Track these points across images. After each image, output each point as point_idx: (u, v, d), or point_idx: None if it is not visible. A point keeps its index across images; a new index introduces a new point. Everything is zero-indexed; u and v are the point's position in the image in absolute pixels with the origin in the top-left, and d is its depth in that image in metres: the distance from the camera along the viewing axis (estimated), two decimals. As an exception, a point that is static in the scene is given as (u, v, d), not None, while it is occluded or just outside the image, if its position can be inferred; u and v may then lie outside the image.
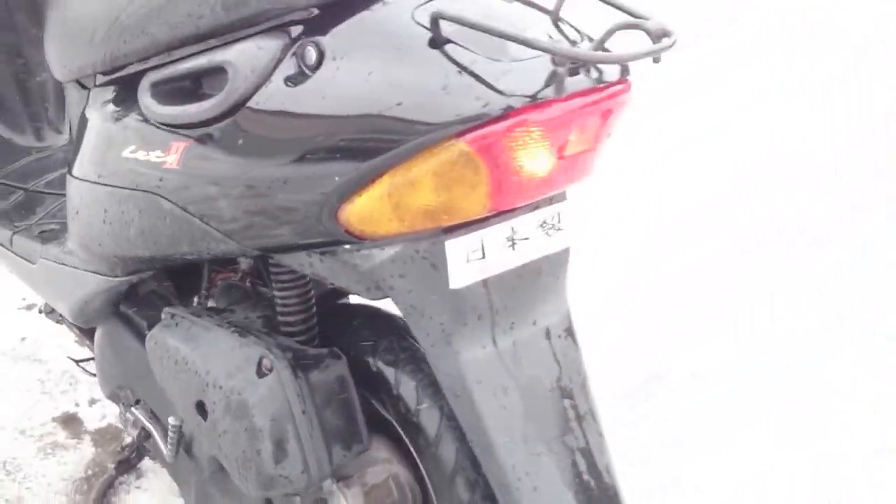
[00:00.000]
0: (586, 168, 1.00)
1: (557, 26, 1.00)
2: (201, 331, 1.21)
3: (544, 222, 1.04)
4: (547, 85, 0.89)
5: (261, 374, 1.12)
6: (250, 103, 0.99)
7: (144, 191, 1.15)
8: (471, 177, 0.91)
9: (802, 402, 1.97)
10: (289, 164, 0.98)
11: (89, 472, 1.92)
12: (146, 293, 1.47)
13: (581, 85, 0.91)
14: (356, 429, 1.16)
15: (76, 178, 1.34)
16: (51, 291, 1.60)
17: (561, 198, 1.05)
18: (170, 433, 1.36)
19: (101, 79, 1.29)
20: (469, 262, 0.99)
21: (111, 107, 1.26)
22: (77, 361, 1.88)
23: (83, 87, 1.37)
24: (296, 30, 0.99)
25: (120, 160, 1.20)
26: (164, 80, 1.11)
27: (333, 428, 1.15)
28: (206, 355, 1.17)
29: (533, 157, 0.92)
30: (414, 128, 0.88)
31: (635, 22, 0.92)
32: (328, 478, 1.15)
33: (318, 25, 0.98)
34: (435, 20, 0.89)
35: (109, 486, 1.84)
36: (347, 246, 1.00)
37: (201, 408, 1.16)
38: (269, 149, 1.00)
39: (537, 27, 0.98)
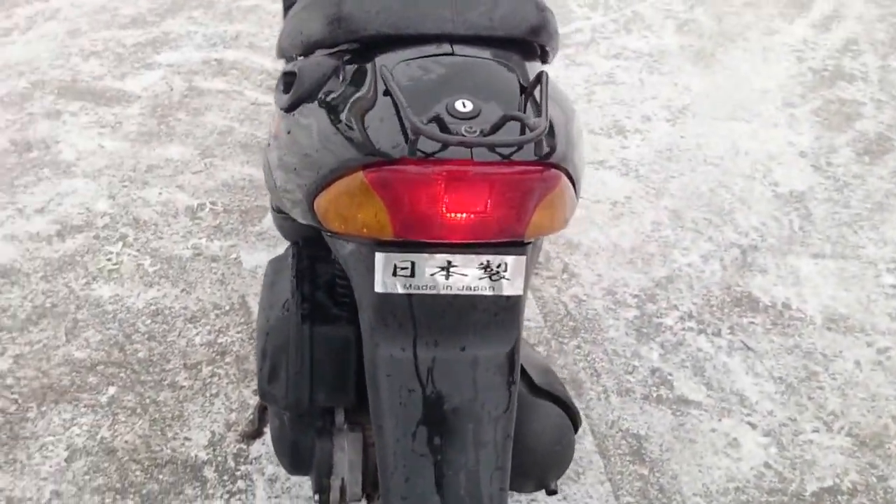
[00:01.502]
0: (483, 226, 1.11)
1: (528, 99, 1.14)
2: (285, 269, 1.42)
3: (487, 266, 1.15)
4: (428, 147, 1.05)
5: (283, 312, 1.34)
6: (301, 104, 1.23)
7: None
8: (371, 202, 1.10)
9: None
10: (298, 157, 1.19)
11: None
12: None
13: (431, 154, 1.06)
14: (345, 385, 1.34)
15: None
16: None
17: (515, 251, 1.16)
18: None
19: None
20: (396, 275, 1.15)
21: None
22: None
23: None
24: (343, 56, 1.25)
25: None
26: (284, 73, 1.34)
27: (322, 376, 1.33)
28: (270, 286, 1.41)
29: (415, 201, 1.08)
30: (347, 154, 1.10)
31: (518, 115, 1.06)
32: (305, 410, 1.34)
33: (355, 56, 1.23)
34: (382, 76, 1.10)
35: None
36: (329, 234, 1.21)
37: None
38: (294, 141, 1.22)
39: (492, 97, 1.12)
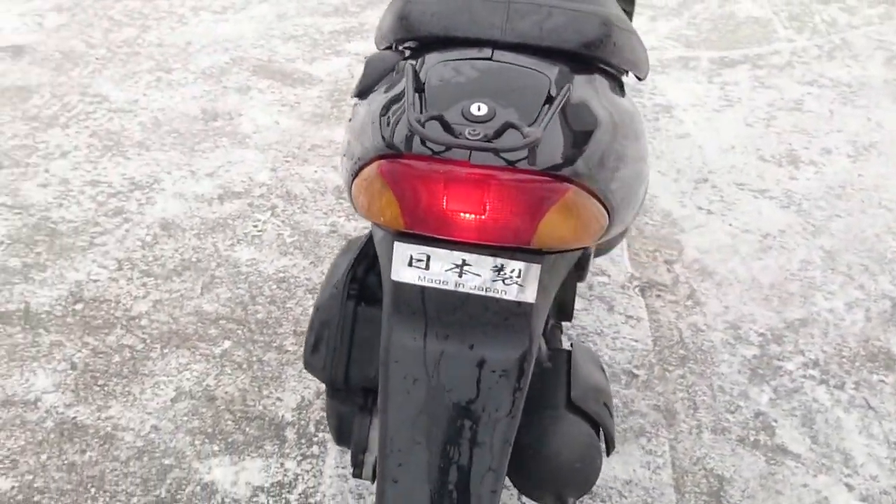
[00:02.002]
0: (489, 229, 1.13)
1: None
2: (352, 249, 1.49)
3: (501, 269, 1.17)
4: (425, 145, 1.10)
5: (334, 289, 1.41)
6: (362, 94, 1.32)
7: None
8: (385, 192, 1.15)
9: None
10: (348, 143, 1.26)
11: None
12: None
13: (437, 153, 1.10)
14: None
15: None
16: None
17: (531, 259, 1.17)
18: None
19: None
20: (412, 266, 1.17)
21: None
22: None
23: None
24: (405, 52, 1.34)
25: None
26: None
27: (359, 355, 1.39)
28: (334, 265, 1.47)
29: (419, 197, 1.12)
30: (370, 144, 1.17)
31: (515, 123, 1.07)
32: (341, 385, 1.41)
33: (413, 53, 1.30)
34: (414, 73, 1.15)
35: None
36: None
37: None
38: (350, 128, 1.30)
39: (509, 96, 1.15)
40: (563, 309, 1.74)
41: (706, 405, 2.00)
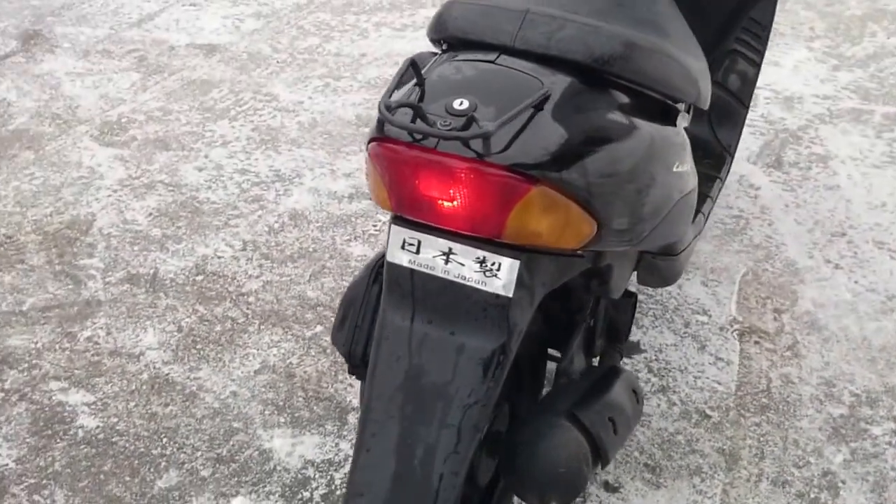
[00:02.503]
0: (461, 217, 1.17)
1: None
2: None
3: (483, 261, 1.21)
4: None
5: (366, 270, 1.49)
6: None
7: None
8: (375, 174, 1.22)
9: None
10: None
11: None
12: None
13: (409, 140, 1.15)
14: None
15: None
16: None
17: (511, 255, 1.20)
18: None
19: None
20: (404, 248, 1.23)
21: None
22: None
23: None
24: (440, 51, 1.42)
25: None
26: None
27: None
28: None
29: (396, 180, 1.17)
30: (370, 129, 1.24)
31: (474, 116, 1.12)
32: (359, 362, 1.46)
33: (444, 52, 1.39)
34: (413, 66, 1.21)
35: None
36: None
37: None
38: None
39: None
40: (613, 328, 1.72)
41: (773, 456, 1.89)
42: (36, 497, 1.81)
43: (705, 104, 1.59)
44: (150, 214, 2.69)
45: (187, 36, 3.87)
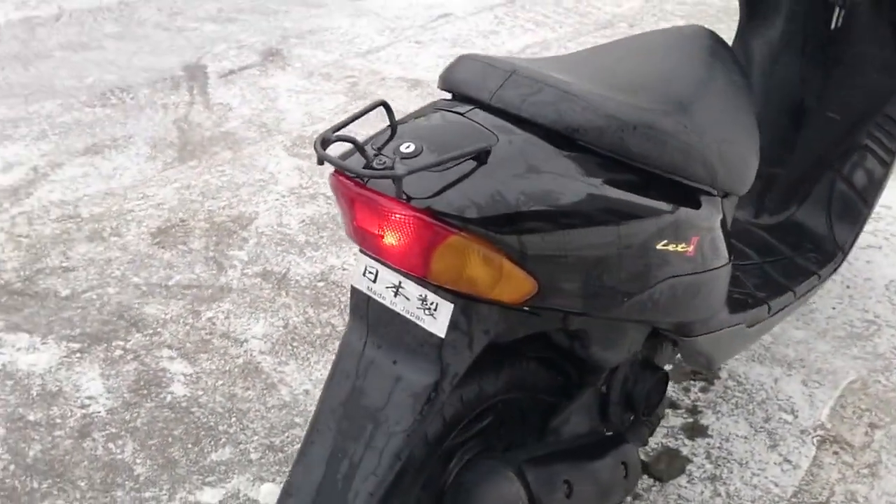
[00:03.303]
0: (392, 254, 1.23)
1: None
2: None
3: (424, 300, 1.27)
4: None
5: None
6: None
7: None
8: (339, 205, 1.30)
9: None
10: None
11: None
12: None
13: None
14: None
15: None
16: None
17: (449, 298, 1.25)
18: None
19: None
20: (365, 275, 1.32)
21: None
22: None
23: None
24: None
25: None
26: None
27: None
28: None
29: (345, 210, 1.27)
30: None
31: (391, 157, 1.21)
32: None
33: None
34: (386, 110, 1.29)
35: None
36: None
37: None
38: None
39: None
40: (630, 399, 1.69)
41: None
42: (110, 445, 2.08)
43: (734, 189, 1.54)
44: (303, 221, 2.96)
45: (401, 69, 4.17)
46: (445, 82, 1.42)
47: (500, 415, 1.62)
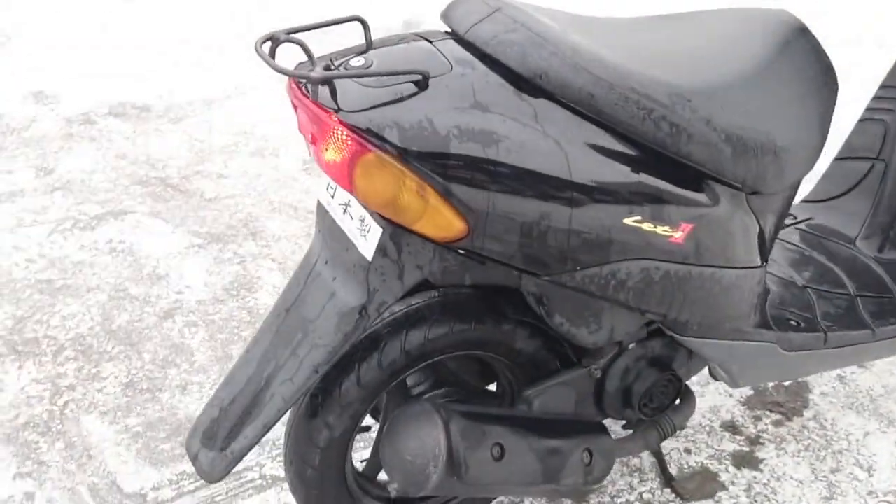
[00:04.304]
0: (324, 164, 1.21)
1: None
2: None
3: (363, 220, 1.27)
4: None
5: None
6: None
7: None
8: None
9: None
10: None
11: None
12: None
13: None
14: None
15: None
16: None
17: (381, 224, 1.24)
18: None
19: None
20: (327, 189, 1.34)
21: None
22: None
23: None
24: None
25: None
26: None
27: None
28: None
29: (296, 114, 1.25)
30: None
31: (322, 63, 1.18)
32: None
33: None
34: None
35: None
36: None
37: None
38: None
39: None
40: (626, 392, 1.57)
41: None
42: (185, 330, 2.22)
43: (757, 186, 1.38)
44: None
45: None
46: (443, 14, 1.38)
47: (470, 370, 1.58)
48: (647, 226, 1.28)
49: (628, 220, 1.27)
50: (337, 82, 1.18)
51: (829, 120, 1.49)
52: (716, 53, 1.40)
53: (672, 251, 1.33)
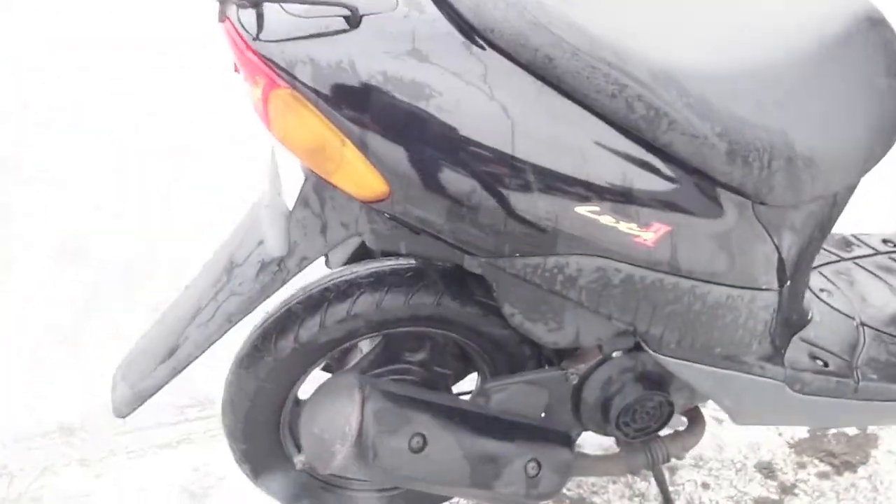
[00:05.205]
0: (254, 101, 1.09)
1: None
2: None
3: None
4: None
5: None
6: None
7: None
8: None
9: None
10: None
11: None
12: None
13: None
14: None
15: None
16: None
17: (304, 171, 1.13)
18: None
19: None
20: None
21: None
22: None
23: None
24: None
25: None
26: None
27: None
28: None
29: None
30: None
31: None
32: None
33: None
34: None
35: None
36: None
37: None
38: None
39: None
40: (605, 403, 1.39)
41: None
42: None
43: (763, 195, 1.15)
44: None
45: None
46: None
47: (439, 352, 1.45)
48: (606, 219, 1.10)
49: (581, 210, 1.09)
50: (270, 10, 1.07)
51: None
52: (746, 34, 1.17)
53: (638, 253, 1.14)
